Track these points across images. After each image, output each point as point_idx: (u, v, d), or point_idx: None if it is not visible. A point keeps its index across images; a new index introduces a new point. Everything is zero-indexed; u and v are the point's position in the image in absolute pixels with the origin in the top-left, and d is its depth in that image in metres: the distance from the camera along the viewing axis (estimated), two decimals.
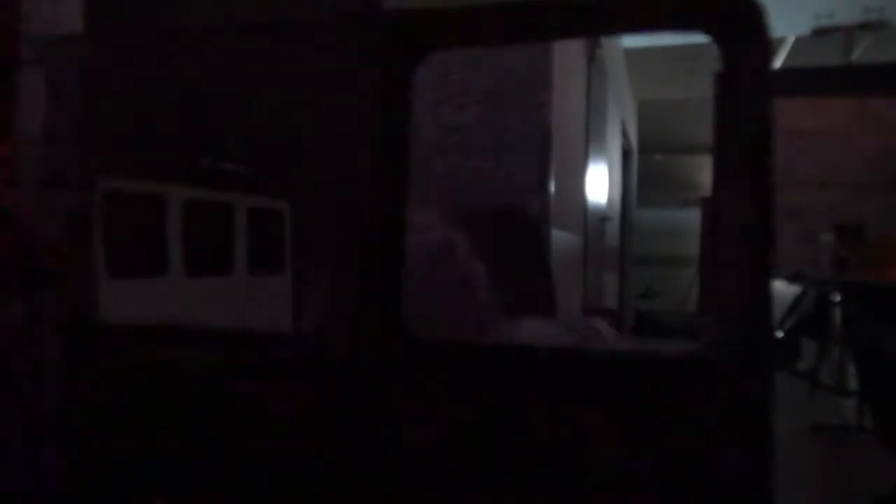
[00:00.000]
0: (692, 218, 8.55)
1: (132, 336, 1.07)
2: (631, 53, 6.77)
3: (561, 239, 3.19)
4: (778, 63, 6.94)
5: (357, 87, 0.96)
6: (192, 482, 1.01)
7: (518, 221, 1.43)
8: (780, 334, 3.67)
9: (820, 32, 6.18)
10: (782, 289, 3.74)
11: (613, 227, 5.92)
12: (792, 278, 3.67)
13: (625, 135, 6.94)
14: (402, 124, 0.95)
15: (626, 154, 7.31)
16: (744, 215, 0.81)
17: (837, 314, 3.69)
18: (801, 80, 4.02)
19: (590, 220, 4.18)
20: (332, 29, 0.99)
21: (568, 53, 3.37)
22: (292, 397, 0.97)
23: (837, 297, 3.67)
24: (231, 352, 1.02)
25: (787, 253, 3.64)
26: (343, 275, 0.96)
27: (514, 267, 1.39)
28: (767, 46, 0.83)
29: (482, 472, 0.89)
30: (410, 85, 0.95)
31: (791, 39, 6.54)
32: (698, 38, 0.86)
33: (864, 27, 6.12)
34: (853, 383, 3.68)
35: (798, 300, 3.77)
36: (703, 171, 9.14)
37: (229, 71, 2.17)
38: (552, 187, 2.93)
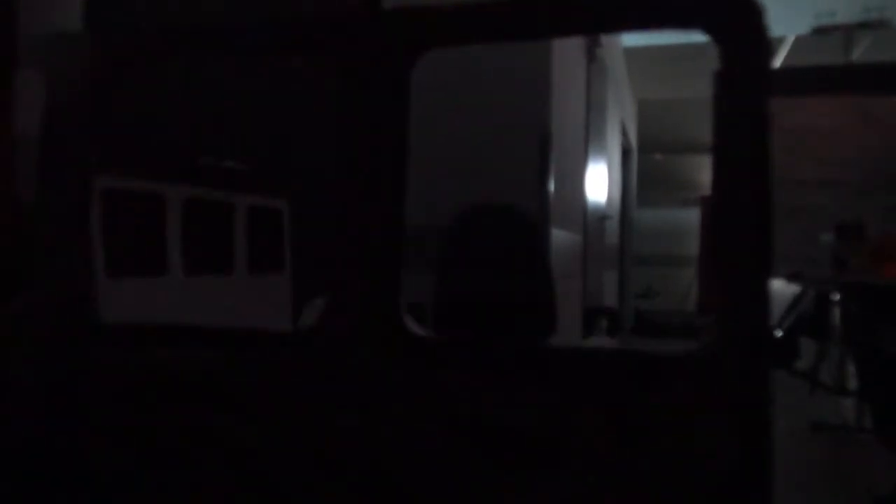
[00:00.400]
0: (692, 217, 8.56)
1: (131, 336, 1.07)
2: (631, 53, 6.77)
3: (561, 238, 3.19)
4: (778, 62, 6.94)
5: (356, 86, 0.96)
6: (191, 482, 1.02)
7: (517, 220, 1.43)
8: (779, 334, 3.67)
9: (820, 31, 6.17)
10: (782, 288, 3.74)
11: (613, 227, 5.92)
12: (791, 278, 3.68)
13: (624, 134, 6.94)
14: (401, 122, 0.95)
15: (625, 153, 7.31)
16: (743, 215, 0.81)
17: (837, 314, 3.70)
18: (801, 80, 4.01)
19: (589, 220, 4.18)
20: (330, 27, 0.98)
21: (568, 53, 3.37)
22: (292, 397, 0.97)
23: (837, 297, 3.67)
24: (230, 351, 1.02)
25: (787, 253, 3.64)
26: (343, 275, 0.96)
27: (514, 266, 1.39)
28: (766, 45, 0.83)
29: (482, 471, 0.89)
30: (409, 83, 0.95)
31: (791, 38, 6.54)
32: (698, 38, 0.86)
33: (864, 26, 6.11)
34: (853, 383, 3.69)
35: (797, 299, 3.78)
36: (702, 171, 9.14)
37: (229, 70, 2.17)
38: (552, 186, 2.93)
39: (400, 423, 0.92)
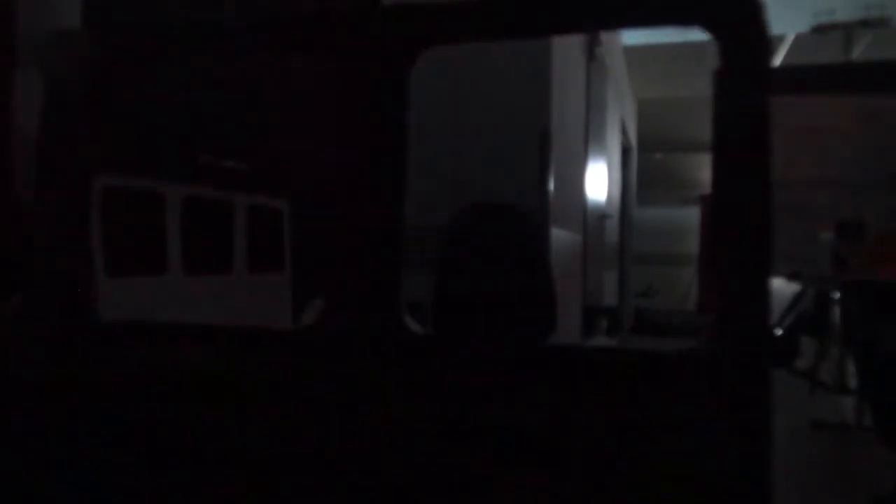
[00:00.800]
0: (692, 216, 8.55)
1: (131, 335, 1.07)
2: (630, 51, 6.77)
3: (560, 237, 3.19)
4: (778, 60, 6.94)
5: (356, 85, 0.96)
6: (191, 481, 1.02)
7: (517, 219, 1.43)
8: (779, 332, 3.67)
9: (820, 30, 6.18)
10: (782, 287, 3.74)
11: (613, 226, 5.92)
12: (791, 277, 3.68)
13: (624, 133, 6.93)
14: (401, 122, 0.95)
15: (625, 152, 7.31)
16: (743, 214, 0.81)
17: (837, 312, 3.70)
18: (800, 78, 4.01)
19: (589, 219, 4.18)
20: (330, 26, 0.98)
21: (568, 51, 3.37)
22: (292, 396, 0.97)
23: (837, 296, 3.67)
24: (230, 350, 1.02)
25: (787, 252, 3.64)
26: (343, 274, 0.96)
27: (514, 266, 1.38)
28: (766, 44, 0.83)
29: (482, 471, 0.89)
30: (409, 82, 0.95)
31: (791, 37, 6.54)
32: (698, 36, 0.86)
33: (864, 24, 6.12)
34: (852, 381, 3.69)
35: (797, 298, 3.78)
36: (702, 170, 9.13)
37: (229, 68, 2.17)
38: (552, 185, 2.93)
39: (399, 423, 0.92)
